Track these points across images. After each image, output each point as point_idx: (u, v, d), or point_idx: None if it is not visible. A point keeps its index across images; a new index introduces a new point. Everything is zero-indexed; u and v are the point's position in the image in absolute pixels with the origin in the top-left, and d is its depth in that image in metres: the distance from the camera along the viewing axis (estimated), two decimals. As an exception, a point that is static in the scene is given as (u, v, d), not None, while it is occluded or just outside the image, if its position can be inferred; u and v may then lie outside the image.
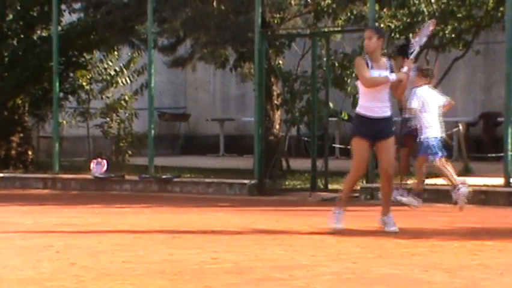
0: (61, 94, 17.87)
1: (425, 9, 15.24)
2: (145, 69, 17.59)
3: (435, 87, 17.52)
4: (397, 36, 15.69)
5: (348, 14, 15.90)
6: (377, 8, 14.65)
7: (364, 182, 14.10)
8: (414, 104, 12.02)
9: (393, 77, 9.66)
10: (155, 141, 16.21)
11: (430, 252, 8.19)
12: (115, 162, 17.37)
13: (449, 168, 12.05)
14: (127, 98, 18.47)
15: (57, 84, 16.96)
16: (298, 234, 9.59)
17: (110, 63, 18.81)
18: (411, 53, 10.11)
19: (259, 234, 9.59)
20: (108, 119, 18.36)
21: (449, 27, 15.49)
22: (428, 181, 13.86)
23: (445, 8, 15.33)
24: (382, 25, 15.25)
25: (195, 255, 7.96)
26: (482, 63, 20.51)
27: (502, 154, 13.40)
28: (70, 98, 18.69)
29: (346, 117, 17.22)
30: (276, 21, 16.28)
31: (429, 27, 10.44)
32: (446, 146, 12.49)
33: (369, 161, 9.94)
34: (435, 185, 13.63)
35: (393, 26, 15.44)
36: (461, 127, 16.91)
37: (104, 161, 16.29)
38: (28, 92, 18.37)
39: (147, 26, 16.13)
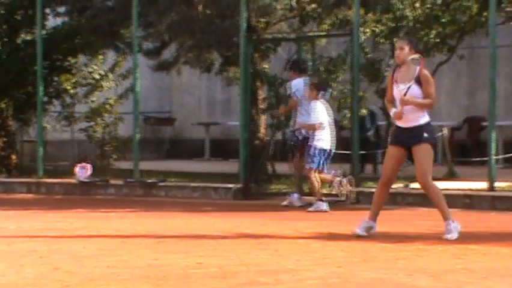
0: (45, 98, 17.81)
1: (409, 14, 15.29)
2: (130, 73, 17.54)
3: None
4: (382, 40, 15.73)
5: (334, 19, 15.92)
6: (362, 12, 14.68)
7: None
8: (322, 118, 12.90)
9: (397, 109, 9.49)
10: (140, 145, 16.18)
11: (415, 256, 8.21)
12: (100, 167, 17.32)
13: (319, 181, 12.87)
14: (112, 102, 18.42)
15: (41, 88, 16.92)
16: (284, 238, 9.60)
17: (95, 67, 18.75)
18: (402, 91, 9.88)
19: (245, 238, 9.59)
20: (93, 123, 18.30)
21: (434, 32, 15.53)
22: (412, 185, 13.90)
23: (429, 13, 15.37)
24: (367, 29, 15.31)
25: (180, 260, 7.95)
26: (466, 68, 20.57)
27: (486, 158, 13.45)
28: (55, 102, 18.62)
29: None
30: (261, 26, 16.28)
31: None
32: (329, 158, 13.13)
33: (397, 166, 9.71)
34: (419, 189, 13.64)
35: (378, 31, 15.48)
36: (445, 131, 16.95)
37: (89, 165, 16.24)
38: (12, 96, 18.30)
39: (132, 30, 16.12)
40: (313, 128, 12.98)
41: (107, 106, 18.40)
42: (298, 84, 13.75)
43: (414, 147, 9.42)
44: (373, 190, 13.67)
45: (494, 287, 6.71)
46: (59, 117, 18.86)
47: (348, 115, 15.33)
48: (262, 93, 16.19)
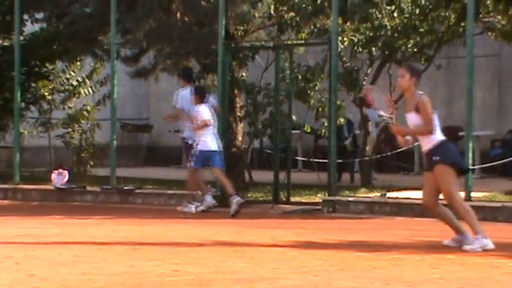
0: (23, 104, 17.74)
1: (387, 24, 15.35)
2: (108, 79, 17.51)
3: (396, 101, 17.67)
4: (360, 50, 15.78)
5: (312, 27, 15.96)
6: (340, 21, 14.72)
7: (326, 194, 14.14)
8: (205, 116, 13.56)
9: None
10: (117, 152, 16.12)
11: (391, 265, 8.22)
12: (77, 173, 17.26)
13: (201, 181, 13.74)
14: (89, 108, 18.36)
15: (18, 94, 16.84)
16: (260, 246, 9.59)
17: (73, 74, 18.69)
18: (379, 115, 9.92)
19: (221, 246, 9.57)
20: (70, 129, 18.23)
21: (412, 41, 15.61)
22: (389, 194, 13.95)
23: (407, 23, 15.44)
24: (345, 39, 15.35)
25: (156, 267, 7.92)
26: (443, 78, 20.67)
27: (462, 168, 13.47)
28: (32, 108, 18.56)
29: (309, 130, 17.28)
30: (239, 34, 16.30)
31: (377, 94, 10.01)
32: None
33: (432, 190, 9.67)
34: (396, 198, 13.70)
35: (356, 40, 15.53)
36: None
37: (66, 172, 16.17)
38: (-11, 102, 18.23)
39: (110, 37, 16.08)
40: (197, 126, 13.65)
41: (85, 112, 18.33)
42: (186, 95, 14.40)
43: (432, 172, 9.43)
44: (350, 199, 13.78)
45: (470, 296, 6.73)
46: (36, 123, 18.78)
47: (326, 124, 15.37)
48: (240, 101, 16.19)
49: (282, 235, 10.47)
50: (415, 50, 15.76)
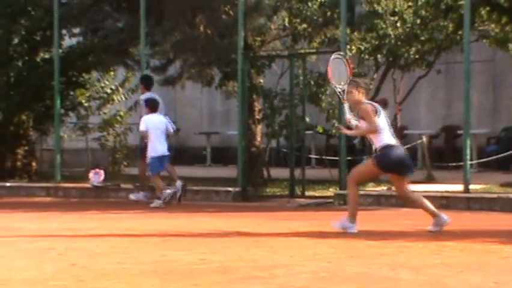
0: (62, 110, 17.80)
1: (391, 33, 15.32)
2: (138, 87, 17.55)
3: (400, 103, 17.65)
4: (366, 57, 15.75)
5: (323, 37, 15.95)
6: (348, 31, 14.70)
7: (338, 189, 14.12)
8: (142, 127, 13.86)
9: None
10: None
11: (397, 252, 8.20)
12: (112, 172, 17.30)
13: (160, 181, 13.93)
14: (122, 113, 18.41)
15: (58, 101, 16.90)
16: (278, 236, 9.58)
17: (107, 82, 18.75)
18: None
19: (243, 236, 9.57)
20: (105, 133, 18.29)
21: (413, 49, 15.58)
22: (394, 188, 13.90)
23: (409, 32, 15.41)
24: (353, 47, 15.31)
25: (184, 256, 7.93)
26: (443, 82, 20.60)
27: (461, 163, 13.47)
28: (70, 114, 18.62)
29: (321, 131, 17.26)
30: (257, 44, 16.31)
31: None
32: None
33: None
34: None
35: (363, 48, 15.51)
36: (424, 139, 16.96)
37: (102, 171, 16.21)
38: (32, 108, 18.29)
39: (140, 49, 16.11)
40: (144, 134, 14.04)
41: (118, 117, 18.39)
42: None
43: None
44: (359, 192, 13.73)
45: (469, 279, 6.71)
46: (75, 127, 18.85)
47: (336, 125, 15.34)
48: (258, 105, 16.20)
49: (298, 226, 10.47)
50: (417, 56, 15.74)
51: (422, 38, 15.45)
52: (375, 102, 15.33)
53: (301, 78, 15.68)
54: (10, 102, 17.82)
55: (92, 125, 18.74)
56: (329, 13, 15.76)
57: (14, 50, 17.93)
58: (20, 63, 17.92)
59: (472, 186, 13.02)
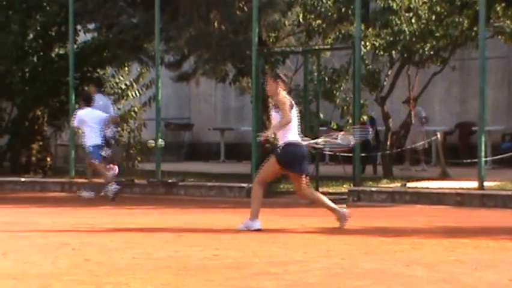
0: (77, 106, 17.85)
1: (406, 29, 15.28)
2: (153, 83, 17.59)
3: (415, 100, 17.59)
4: (381, 53, 15.72)
5: (337, 33, 15.93)
6: (362, 27, 14.67)
7: (351, 185, 14.11)
8: (73, 123, 14.83)
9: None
10: (162, 148, 16.19)
11: (411, 249, 8.19)
12: (126, 168, 17.33)
13: (104, 169, 14.39)
14: (136, 109, 18.44)
15: (73, 97, 16.96)
16: (292, 232, 9.59)
17: (121, 78, 18.79)
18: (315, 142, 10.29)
19: (257, 233, 9.58)
20: (119, 128, 18.33)
21: (428, 45, 15.52)
22: (409, 184, 13.90)
23: (424, 28, 15.36)
24: (367, 43, 15.29)
25: (198, 252, 7.95)
26: (458, 78, 20.53)
27: (475, 160, 13.43)
28: (85, 109, 18.65)
29: (335, 127, 17.24)
30: (271, 40, 16.29)
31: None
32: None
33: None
34: (415, 188, 13.65)
35: (377, 44, 15.47)
36: (439, 136, 16.92)
37: (116, 167, 16.24)
38: (47, 104, 18.36)
39: (155, 44, 16.14)
40: (75, 129, 15.17)
41: (132, 113, 18.42)
42: (97, 99, 15.10)
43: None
44: (373, 189, 13.75)
45: (484, 276, 6.70)
46: (89, 123, 18.87)
47: (350, 121, 15.33)
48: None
49: (311, 222, 10.47)
50: (431, 52, 15.69)
51: (437, 34, 15.39)
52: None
53: (315, 74, 15.67)
54: (25, 98, 17.91)
55: (107, 121, 18.76)
56: (343, 9, 15.74)
57: (29, 45, 18.00)
58: (35, 59, 17.98)
59: (486, 183, 12.98)
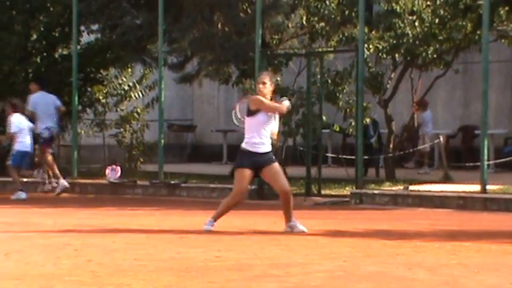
0: (80, 107, 17.87)
1: (409, 32, 15.27)
2: (156, 84, 17.58)
3: (418, 103, 17.55)
4: (384, 56, 15.72)
5: (340, 36, 15.92)
6: (366, 30, 14.67)
7: (354, 188, 14.10)
8: (11, 129, 15.00)
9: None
10: (164, 149, 16.20)
11: (413, 252, 8.18)
12: (128, 169, 17.34)
13: (16, 176, 14.96)
14: (139, 110, 18.44)
15: (76, 98, 16.97)
16: (294, 235, 9.58)
17: (124, 79, 18.78)
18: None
19: (259, 234, 9.58)
20: (122, 129, 18.32)
21: (431, 48, 15.51)
22: (411, 187, 13.89)
23: (428, 31, 15.35)
24: (371, 46, 15.29)
25: (200, 254, 7.95)
26: (461, 81, 20.51)
27: (478, 163, 13.41)
28: (88, 110, 18.67)
29: (338, 129, 17.25)
30: (274, 42, 16.29)
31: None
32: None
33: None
34: (418, 191, 13.64)
35: (380, 47, 15.46)
36: (441, 139, 16.90)
37: (118, 168, 16.27)
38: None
39: (158, 46, 16.14)
40: (11, 136, 15.12)
41: (135, 114, 18.40)
42: (36, 98, 15.59)
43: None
44: (375, 192, 13.74)
45: (486, 280, 6.69)
46: (92, 124, 18.89)
47: (353, 123, 15.33)
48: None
49: (314, 224, 10.46)
50: (435, 56, 15.68)
51: (440, 38, 15.38)
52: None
53: (318, 76, 15.67)
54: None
55: (109, 122, 18.77)
56: (346, 12, 15.72)
57: (32, 46, 18.02)
58: (38, 60, 18.00)
59: (489, 187, 12.97)
